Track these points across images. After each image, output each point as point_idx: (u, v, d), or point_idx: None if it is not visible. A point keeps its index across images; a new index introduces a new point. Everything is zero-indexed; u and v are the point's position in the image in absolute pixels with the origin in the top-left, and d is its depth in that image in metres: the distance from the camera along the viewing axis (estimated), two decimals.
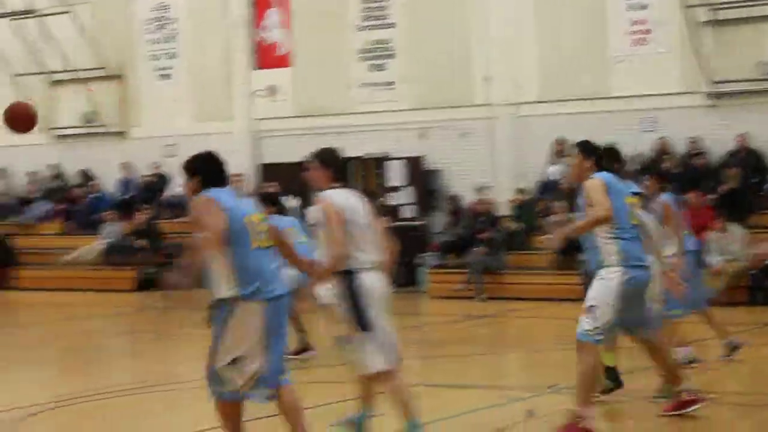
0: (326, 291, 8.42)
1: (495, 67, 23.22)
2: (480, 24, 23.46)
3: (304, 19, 25.26)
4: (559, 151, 21.91)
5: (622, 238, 8.76)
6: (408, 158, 23.42)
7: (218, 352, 7.31)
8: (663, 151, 21.34)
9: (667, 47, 21.93)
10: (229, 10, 26.02)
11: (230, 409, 7.42)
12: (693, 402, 9.30)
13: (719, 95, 21.47)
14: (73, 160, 27.83)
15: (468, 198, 22.73)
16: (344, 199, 8.43)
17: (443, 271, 21.67)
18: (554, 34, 22.90)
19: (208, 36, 26.35)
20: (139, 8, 27.43)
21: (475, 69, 23.48)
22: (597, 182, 8.84)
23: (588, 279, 9.07)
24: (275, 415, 7.77)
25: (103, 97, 27.66)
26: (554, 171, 22.08)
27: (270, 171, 24.60)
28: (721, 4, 21.51)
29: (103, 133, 27.70)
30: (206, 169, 7.57)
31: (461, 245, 21.59)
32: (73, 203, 26.93)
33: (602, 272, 8.80)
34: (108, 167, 27.13)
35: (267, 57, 25.83)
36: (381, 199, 21.67)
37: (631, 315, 8.84)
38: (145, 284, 23.69)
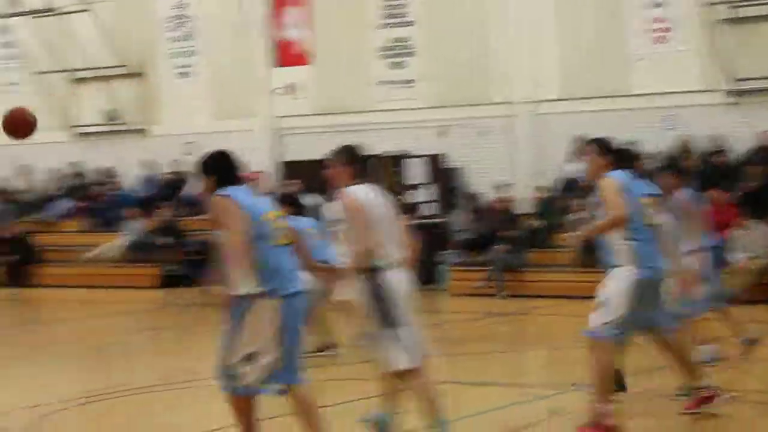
0: (349, 289, 8.43)
1: (515, 65, 23.22)
2: (499, 22, 23.46)
3: (324, 16, 25.29)
4: (579, 149, 21.88)
5: (636, 239, 8.74)
6: (427, 156, 23.43)
7: (233, 348, 7.35)
8: (684, 149, 21.30)
9: (687, 45, 21.89)
10: (249, 7, 26.06)
11: (243, 404, 7.46)
12: (712, 399, 9.32)
13: (740, 93, 21.42)
14: (94, 158, 27.92)
15: (488, 196, 22.74)
16: (366, 195, 8.41)
17: (464, 268, 21.67)
18: (574, 31, 22.89)
19: (228, 34, 26.40)
20: (160, 6, 27.51)
21: (494, 67, 23.48)
22: (611, 182, 8.81)
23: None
24: (289, 414, 7.80)
25: (124, 94, 27.77)
26: (573, 169, 22.06)
27: (291, 169, 24.66)
28: (740, 1, 21.46)
29: (124, 131, 27.81)
30: (220, 168, 7.61)
31: (482, 243, 21.59)
32: (95, 201, 27.03)
33: (615, 271, 8.80)
34: (129, 165, 27.22)
35: (287, 55, 25.88)
36: (401, 197, 21.69)
37: (646, 313, 8.83)
38: (167, 281, 23.80)
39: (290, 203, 13.31)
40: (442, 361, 13.04)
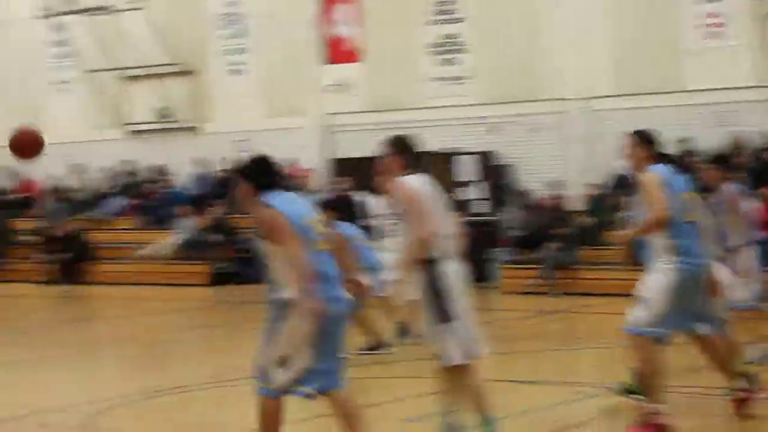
0: (404, 285, 8.33)
1: (566, 61, 23.13)
2: (550, 17, 23.39)
3: (374, 13, 25.31)
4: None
5: (677, 235, 8.66)
6: (478, 153, 23.39)
7: (269, 350, 7.34)
8: (735, 145, 21.12)
9: (738, 40, 21.73)
10: (300, 5, 26.13)
11: (272, 406, 7.40)
12: (748, 400, 9.22)
13: None
14: (146, 156, 28.11)
15: (539, 193, 22.67)
16: (421, 185, 8.35)
17: (515, 266, 21.63)
18: (626, 27, 22.75)
19: (279, 31, 26.47)
20: (211, 4, 27.65)
21: (545, 63, 23.40)
22: (653, 177, 8.74)
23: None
24: (325, 415, 7.77)
25: (176, 92, 27.94)
26: (624, 165, 21.92)
27: (341, 166, 24.71)
28: None
29: (177, 129, 27.98)
30: (259, 173, 7.55)
31: (533, 240, 21.53)
32: (148, 198, 27.21)
33: (655, 267, 8.73)
34: (181, 163, 27.38)
35: (337, 52, 25.91)
36: (452, 194, 21.66)
37: (687, 310, 8.74)
38: (218, 279, 23.92)
39: (337, 208, 13.33)
40: (494, 359, 13.01)
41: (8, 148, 8.94)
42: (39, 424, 10.36)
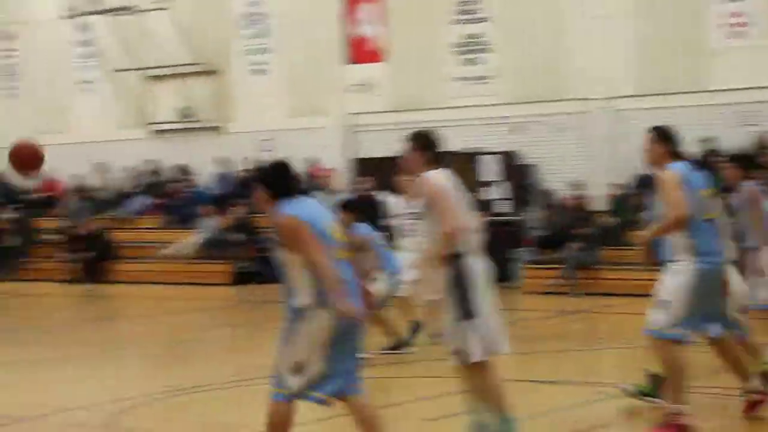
0: (424, 285, 8.30)
1: (589, 61, 23.06)
2: (574, 16, 23.33)
3: (397, 13, 25.30)
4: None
5: (696, 234, 8.60)
6: (501, 153, 23.35)
7: (284, 356, 7.33)
8: (759, 145, 21.04)
9: (762, 40, 21.63)
10: (323, 4, 26.16)
11: (283, 409, 7.37)
12: (762, 403, 9.17)
13: None
14: (169, 155, 28.19)
15: (562, 193, 22.62)
16: (445, 179, 8.33)
17: (537, 266, 21.60)
18: (649, 26, 22.67)
19: (302, 31, 26.49)
20: (235, 4, 27.69)
21: (568, 62, 23.34)
22: (672, 175, 8.69)
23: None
24: (340, 416, 7.77)
25: (199, 92, 28.00)
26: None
27: (364, 166, 24.72)
28: None
29: (199, 129, 28.04)
30: (278, 180, 7.47)
31: (555, 240, 21.49)
32: (171, 198, 27.28)
33: (673, 266, 8.69)
34: (204, 162, 27.44)
35: (360, 51, 25.93)
36: (474, 193, 21.63)
37: (704, 311, 8.69)
38: (240, 278, 23.97)
39: (359, 208, 13.31)
40: (515, 359, 13.01)
41: (9, 162, 8.94)
42: (62, 423, 10.41)
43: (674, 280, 8.61)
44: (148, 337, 17.23)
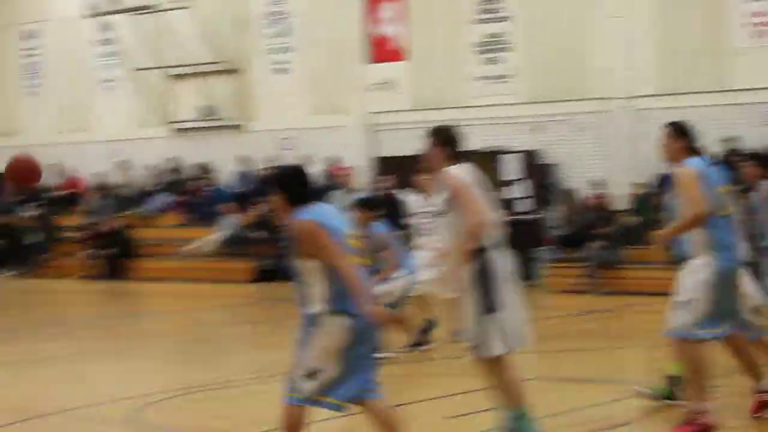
0: (444, 282, 8.29)
1: (610, 60, 23.00)
2: (595, 16, 23.25)
3: (419, 12, 25.29)
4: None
5: (712, 229, 8.57)
6: (523, 152, 23.32)
7: (299, 361, 7.32)
8: None
9: None
10: (344, 3, 26.17)
11: (296, 412, 7.35)
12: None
13: None
14: (191, 154, 28.25)
15: (584, 192, 22.58)
16: (468, 174, 8.31)
17: (559, 265, 21.58)
18: (670, 26, 22.58)
19: (324, 30, 26.50)
20: (256, 3, 27.72)
21: (590, 62, 23.28)
22: (689, 172, 8.66)
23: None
24: (354, 414, 7.77)
25: (221, 91, 28.05)
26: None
27: (385, 164, 24.72)
28: None
29: (221, 127, 28.09)
30: (291, 185, 7.41)
31: (577, 239, 21.46)
32: (193, 196, 27.35)
33: (691, 264, 8.65)
34: (225, 160, 27.48)
35: (382, 50, 25.93)
36: (496, 192, 21.60)
37: (726, 306, 8.64)
38: (261, 275, 24.01)
39: (379, 207, 13.30)
40: (537, 358, 13.01)
41: (6, 176, 8.97)
42: (84, 418, 10.46)
43: (694, 278, 8.57)
44: (170, 333, 17.29)
